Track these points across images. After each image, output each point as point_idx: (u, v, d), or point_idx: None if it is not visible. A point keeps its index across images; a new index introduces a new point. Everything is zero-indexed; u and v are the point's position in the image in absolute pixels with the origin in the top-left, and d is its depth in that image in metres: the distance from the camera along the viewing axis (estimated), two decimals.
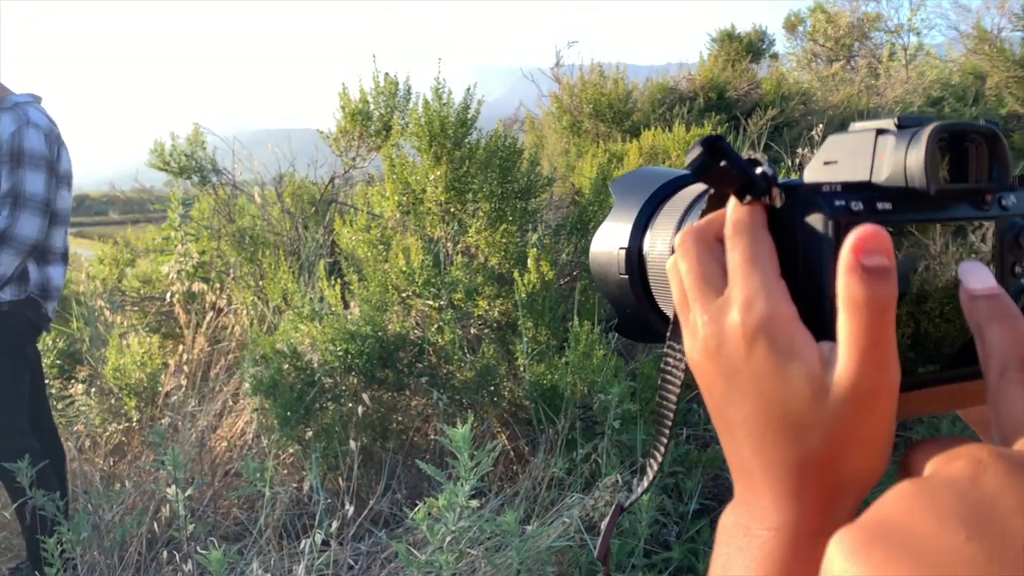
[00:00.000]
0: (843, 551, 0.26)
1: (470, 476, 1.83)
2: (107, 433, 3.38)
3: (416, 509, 1.87)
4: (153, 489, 2.53)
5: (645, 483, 0.47)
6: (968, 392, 0.38)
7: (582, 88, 7.35)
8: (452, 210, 3.02)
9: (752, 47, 10.23)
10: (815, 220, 0.36)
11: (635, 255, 0.48)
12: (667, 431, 0.45)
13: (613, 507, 0.49)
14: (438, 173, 2.90)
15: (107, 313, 3.61)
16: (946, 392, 0.38)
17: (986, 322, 0.35)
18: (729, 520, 0.38)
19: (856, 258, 0.32)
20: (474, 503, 1.87)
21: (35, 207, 2.53)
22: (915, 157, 0.36)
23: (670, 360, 0.44)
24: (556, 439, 2.61)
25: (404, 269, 2.74)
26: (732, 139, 6.13)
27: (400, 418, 2.90)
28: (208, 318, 3.37)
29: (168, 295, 3.74)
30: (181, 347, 3.42)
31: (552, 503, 2.41)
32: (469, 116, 2.91)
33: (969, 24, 10.94)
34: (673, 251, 0.42)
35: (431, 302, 2.84)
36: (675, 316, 0.41)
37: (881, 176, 0.37)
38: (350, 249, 3.05)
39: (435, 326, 2.85)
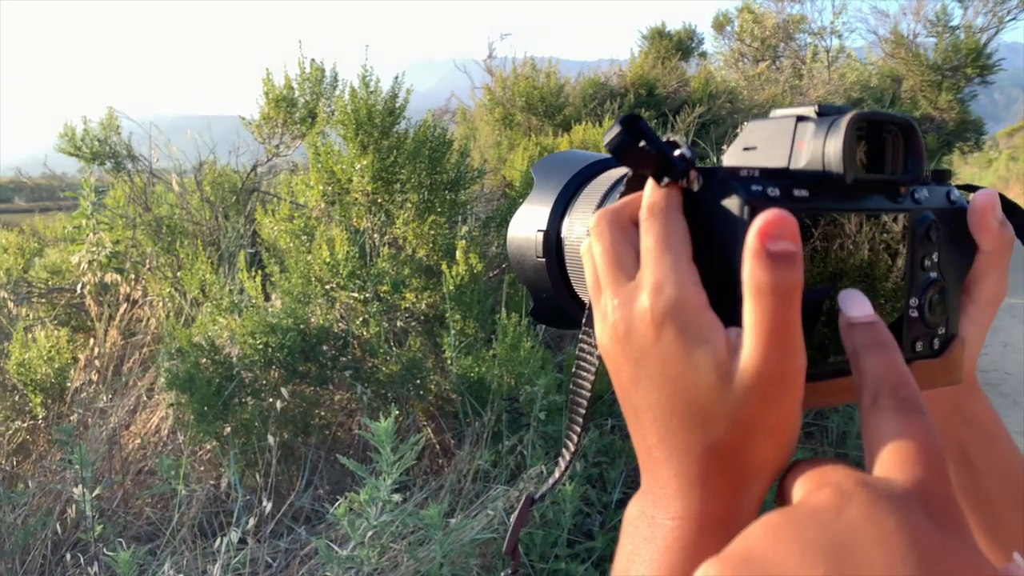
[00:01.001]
0: None
1: (392, 470, 1.79)
2: (10, 432, 3.21)
3: (337, 504, 1.82)
4: (59, 489, 2.41)
5: (557, 473, 0.47)
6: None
7: (515, 81, 7.35)
8: (379, 201, 2.97)
9: (682, 45, 10.42)
10: (731, 204, 0.35)
11: (553, 238, 0.47)
12: (580, 419, 0.44)
13: (523, 498, 0.48)
14: (364, 162, 2.84)
15: (11, 305, 3.42)
16: (849, 381, 0.38)
17: (862, 349, 0.35)
18: (635, 510, 0.38)
19: (761, 243, 0.32)
20: (397, 497, 1.84)
21: None
22: (833, 144, 0.36)
23: (584, 347, 0.43)
24: (482, 432, 2.60)
25: (328, 260, 2.68)
26: (660, 135, 6.22)
27: (323, 413, 2.84)
28: (122, 310, 3.23)
29: (79, 286, 3.57)
30: (92, 340, 3.27)
31: (477, 496, 2.40)
32: (397, 105, 2.85)
33: (887, 29, 11.40)
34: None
35: (356, 294, 2.78)
36: (590, 302, 0.41)
37: (800, 163, 0.37)
38: (272, 239, 2.97)
39: (360, 319, 2.80)
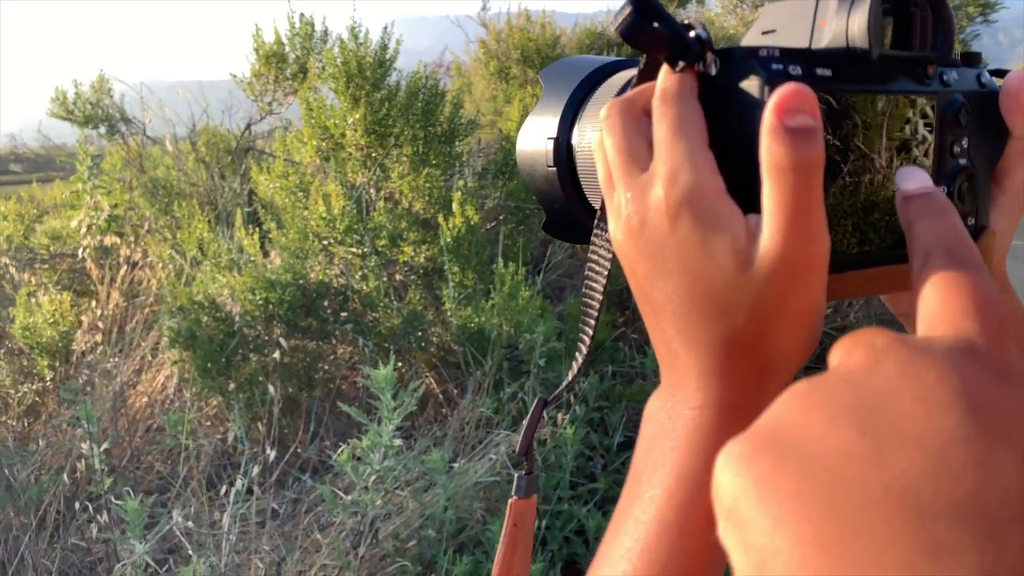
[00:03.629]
0: (730, 464, 0.23)
1: (393, 416, 1.82)
2: (19, 394, 3.25)
3: (340, 451, 1.86)
4: (69, 447, 2.45)
5: (570, 376, 0.46)
6: (898, 275, 0.37)
7: (509, 33, 7.24)
8: (373, 155, 2.96)
9: None
10: (750, 85, 0.33)
11: (564, 146, 0.46)
12: (593, 321, 0.43)
13: (536, 401, 0.47)
14: (357, 116, 2.82)
15: (13, 271, 3.44)
16: (877, 274, 0.37)
17: (917, 217, 0.33)
18: (654, 405, 0.37)
19: (779, 119, 0.30)
20: (400, 443, 1.87)
21: None
22: (858, 19, 0.34)
23: (596, 247, 0.42)
24: (484, 380, 2.63)
25: (325, 216, 2.68)
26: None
27: (326, 367, 2.87)
28: (122, 272, 3.25)
29: (80, 251, 3.58)
30: (95, 303, 3.30)
31: (480, 441, 2.44)
32: (387, 56, 2.83)
33: None
34: None
35: (354, 249, 2.79)
36: (603, 201, 0.39)
37: (822, 42, 0.35)
38: (268, 197, 2.97)
39: (359, 273, 2.81)
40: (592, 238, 0.42)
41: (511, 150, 3.36)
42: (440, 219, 2.75)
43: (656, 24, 0.33)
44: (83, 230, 3.52)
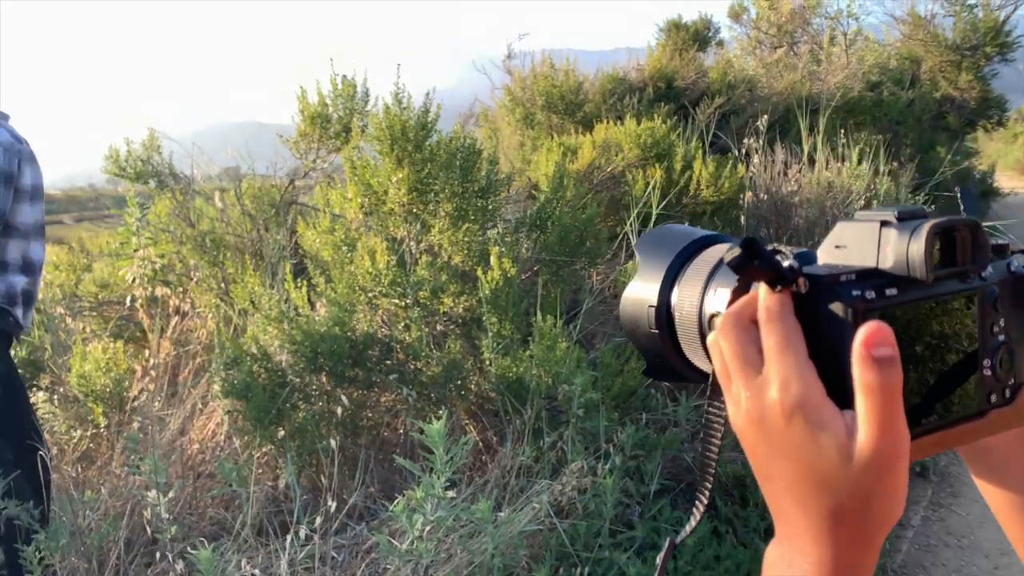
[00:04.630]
0: None
1: (446, 469, 1.93)
2: (74, 440, 3.39)
3: (396, 502, 1.96)
4: (132, 493, 2.57)
5: (693, 522, 0.55)
6: (959, 434, 0.48)
7: (534, 80, 7.44)
8: (415, 210, 3.10)
9: (699, 36, 10.45)
10: (836, 307, 0.44)
11: (664, 311, 0.56)
12: (711, 473, 0.54)
13: (667, 543, 0.57)
14: (400, 175, 2.97)
15: (68, 320, 3.59)
16: (944, 436, 0.48)
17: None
18: (774, 553, 0.47)
19: (867, 351, 0.41)
20: (450, 493, 1.97)
21: None
22: (916, 250, 0.44)
23: (712, 415, 0.52)
24: (523, 429, 2.72)
25: (370, 270, 2.81)
26: (681, 129, 6.28)
27: (369, 414, 2.98)
28: (173, 322, 3.39)
29: (129, 299, 3.74)
30: (147, 352, 3.44)
31: (521, 490, 2.53)
32: (429, 119, 2.98)
33: (904, 10, 11.32)
34: (701, 309, 0.52)
35: (397, 301, 2.92)
36: (713, 378, 0.50)
37: (887, 263, 0.46)
38: (315, 251, 3.11)
39: (402, 324, 2.93)
40: (707, 407, 0.53)
41: (544, 203, 3.49)
42: (478, 271, 2.87)
43: (757, 262, 0.45)
44: (135, 279, 3.68)
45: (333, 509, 2.09)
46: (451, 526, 2.15)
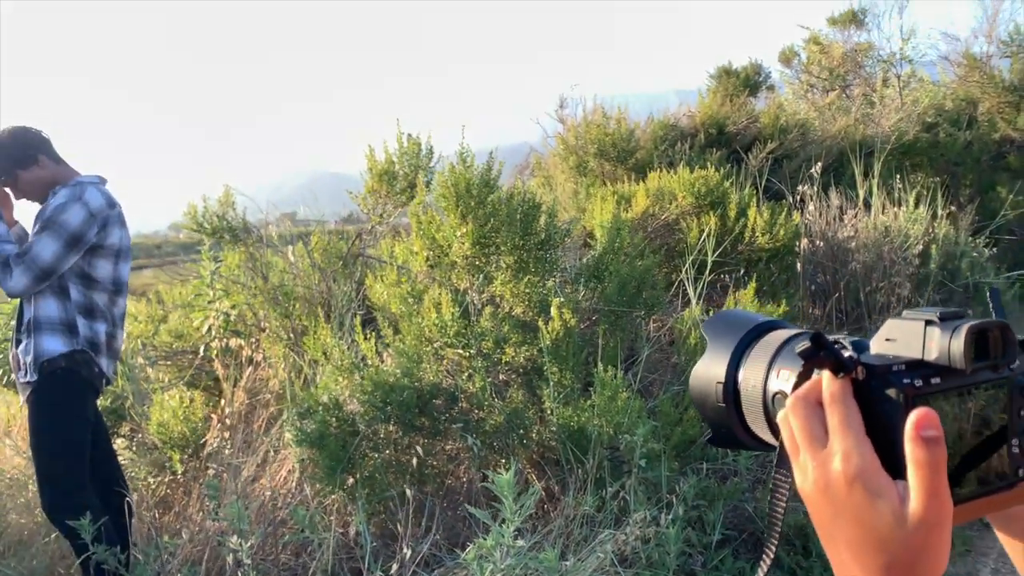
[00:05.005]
0: None
1: (515, 518, 1.99)
2: (151, 486, 3.54)
3: (467, 551, 2.02)
4: (210, 538, 2.68)
5: (760, 573, 0.63)
6: (995, 502, 0.56)
7: (586, 129, 7.60)
8: (477, 263, 3.21)
9: (749, 81, 10.53)
10: (891, 392, 0.53)
11: (731, 387, 0.64)
12: (777, 533, 0.62)
13: None
14: (464, 230, 3.09)
15: (148, 370, 3.78)
16: (981, 504, 0.56)
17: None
18: None
19: (917, 432, 0.49)
20: (519, 542, 2.03)
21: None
22: (956, 346, 0.53)
23: (779, 481, 0.60)
24: (585, 478, 2.77)
25: (437, 321, 2.92)
26: (734, 175, 6.33)
27: (434, 463, 3.06)
28: (247, 372, 3.55)
29: (202, 349, 3.93)
30: (222, 401, 3.59)
31: (585, 539, 2.56)
32: (492, 177, 3.11)
33: (959, 53, 11.22)
34: (765, 387, 0.61)
35: (461, 351, 3.02)
36: (781, 448, 0.58)
37: (931, 356, 0.55)
38: (382, 302, 3.24)
39: (466, 374, 3.02)
40: (774, 474, 0.61)
41: (602, 254, 3.57)
42: (539, 322, 2.96)
43: (823, 352, 0.54)
44: (210, 330, 3.86)
45: (408, 557, 2.16)
46: (519, 575, 2.20)
